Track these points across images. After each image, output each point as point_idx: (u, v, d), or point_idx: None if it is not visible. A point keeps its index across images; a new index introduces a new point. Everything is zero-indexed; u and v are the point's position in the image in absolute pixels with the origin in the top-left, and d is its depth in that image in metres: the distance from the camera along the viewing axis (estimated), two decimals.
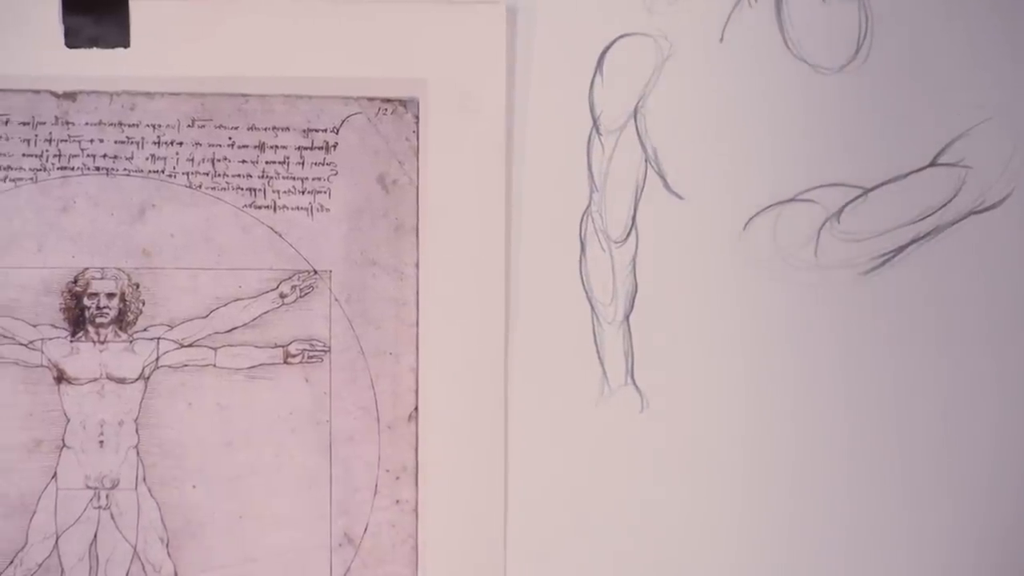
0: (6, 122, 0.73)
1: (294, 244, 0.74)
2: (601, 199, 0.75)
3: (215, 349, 0.73)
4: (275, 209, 0.74)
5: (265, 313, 0.73)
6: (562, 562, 0.74)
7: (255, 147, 0.74)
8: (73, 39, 0.72)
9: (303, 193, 0.74)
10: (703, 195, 0.75)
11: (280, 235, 0.74)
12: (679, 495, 0.75)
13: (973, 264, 0.75)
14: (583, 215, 0.75)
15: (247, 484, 0.73)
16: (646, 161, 0.75)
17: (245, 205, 0.73)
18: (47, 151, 0.73)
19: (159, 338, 0.73)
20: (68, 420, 0.73)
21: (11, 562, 0.72)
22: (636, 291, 0.75)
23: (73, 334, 0.73)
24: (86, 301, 0.73)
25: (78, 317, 0.73)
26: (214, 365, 0.73)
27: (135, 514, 0.73)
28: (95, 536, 0.73)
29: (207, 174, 0.73)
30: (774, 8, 0.75)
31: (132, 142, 0.73)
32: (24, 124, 0.73)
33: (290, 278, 0.74)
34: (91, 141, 0.73)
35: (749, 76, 0.75)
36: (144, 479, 0.73)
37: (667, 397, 0.75)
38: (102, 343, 0.73)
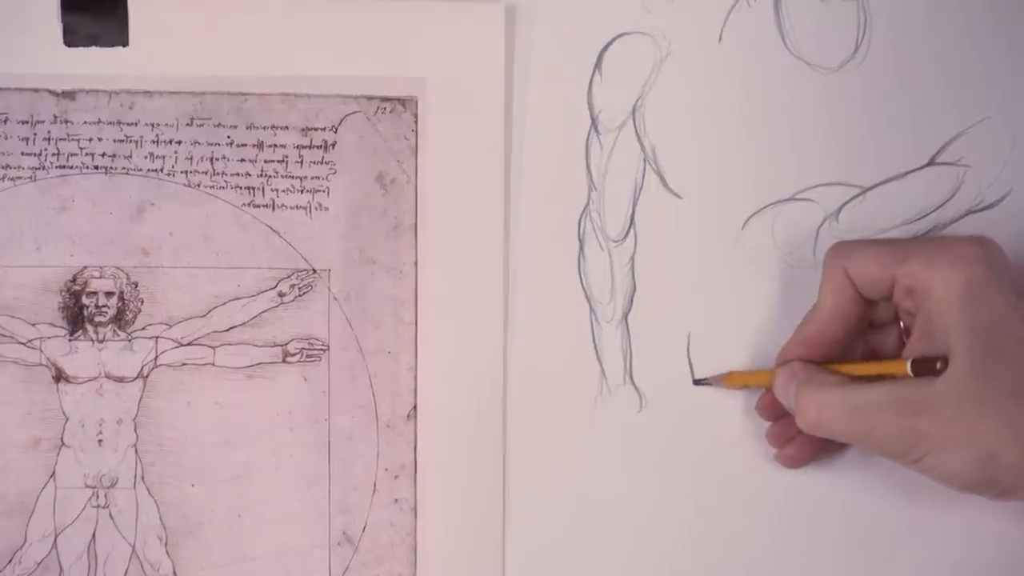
0: (4, 121, 0.73)
1: (293, 243, 0.74)
2: (600, 198, 0.75)
3: (214, 348, 0.73)
4: (274, 208, 0.74)
5: (264, 312, 0.73)
6: (561, 561, 0.74)
7: (254, 146, 0.74)
8: (72, 38, 0.72)
9: (302, 192, 0.74)
10: (701, 194, 0.75)
11: (279, 234, 0.74)
12: (678, 495, 0.74)
13: None
14: (582, 214, 0.75)
15: (246, 483, 0.73)
16: (644, 160, 0.75)
17: (244, 204, 0.74)
18: (46, 150, 0.73)
19: (158, 337, 0.73)
20: (67, 419, 0.73)
21: (10, 561, 0.72)
22: (635, 290, 0.75)
23: (72, 333, 0.73)
24: (85, 300, 0.73)
25: (77, 316, 0.73)
26: (213, 364, 0.73)
27: (134, 513, 0.73)
28: (94, 535, 0.73)
29: (206, 173, 0.73)
30: (772, 7, 0.75)
31: (131, 141, 0.73)
32: (23, 123, 0.73)
33: (289, 277, 0.74)
34: (90, 140, 0.73)
35: (747, 75, 0.75)
36: (143, 478, 0.73)
37: (666, 397, 0.75)
38: (101, 342, 0.73)
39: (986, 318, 0.65)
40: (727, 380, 0.74)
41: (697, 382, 0.74)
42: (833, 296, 0.70)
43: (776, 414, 0.73)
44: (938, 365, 0.65)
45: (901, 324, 0.71)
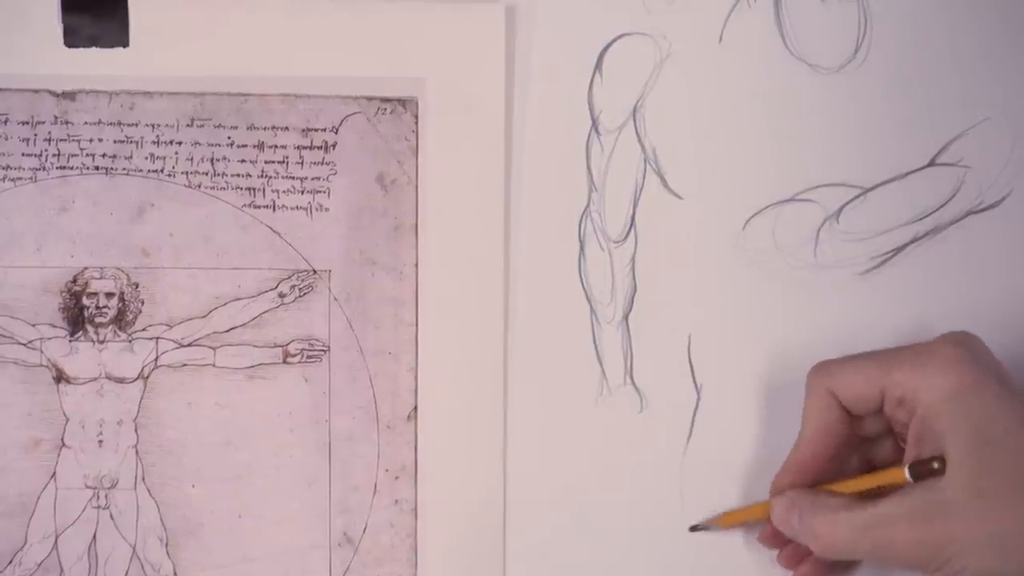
0: (5, 121, 0.73)
1: (293, 244, 0.74)
2: (600, 199, 0.75)
3: (214, 349, 0.73)
4: (274, 209, 0.74)
5: (264, 313, 0.73)
6: (561, 562, 0.74)
7: (254, 147, 0.74)
8: (72, 38, 0.72)
9: (302, 193, 0.74)
10: (702, 195, 0.75)
11: (279, 235, 0.74)
12: (678, 495, 0.75)
13: (972, 264, 0.75)
14: (582, 215, 0.75)
15: (246, 484, 0.73)
16: (645, 161, 0.75)
17: (244, 205, 0.73)
18: (46, 151, 0.73)
19: (158, 338, 0.73)
20: (67, 420, 0.73)
21: (10, 562, 0.72)
22: (635, 291, 0.75)
23: (72, 334, 0.73)
24: (85, 300, 0.73)
25: (77, 317, 0.73)
26: (213, 365, 0.73)
27: (134, 514, 0.73)
28: (94, 536, 0.73)
29: (206, 174, 0.73)
30: (773, 8, 0.75)
31: (131, 141, 0.73)
32: (23, 123, 0.73)
33: (289, 278, 0.74)
34: (90, 141, 0.73)
35: (748, 76, 0.75)
36: (143, 479, 0.73)
37: (666, 398, 0.75)
38: (101, 343, 0.73)
39: (978, 416, 0.65)
40: (722, 521, 0.74)
41: (693, 528, 0.74)
42: (820, 417, 0.70)
43: (781, 542, 0.72)
44: (935, 465, 0.65)
45: (895, 433, 0.71)
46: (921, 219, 0.75)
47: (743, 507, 0.74)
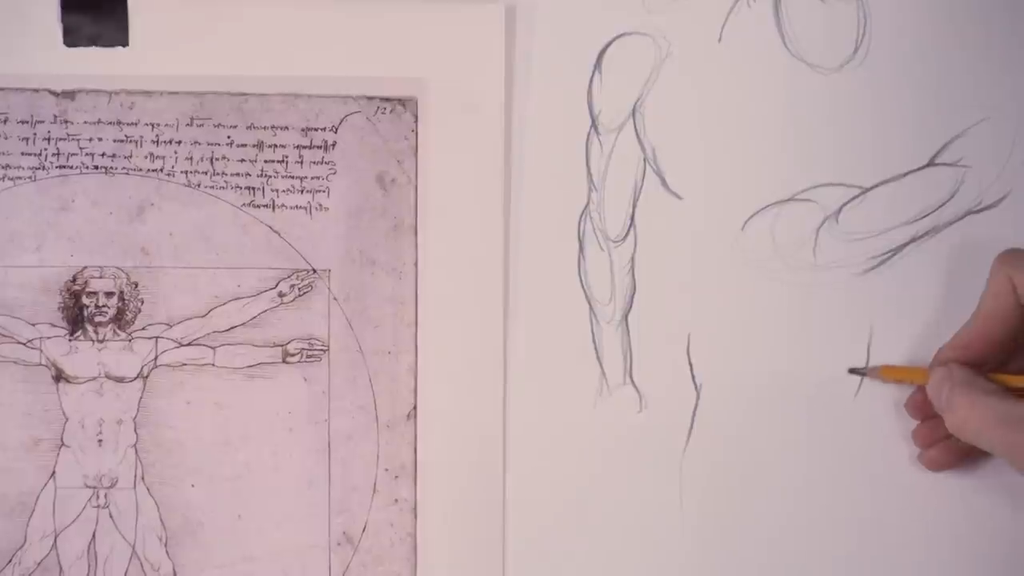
0: (4, 121, 0.73)
1: (293, 243, 0.74)
2: (600, 198, 0.75)
3: (214, 348, 0.73)
4: (274, 208, 0.74)
5: (264, 312, 0.73)
6: (561, 562, 0.74)
7: (254, 146, 0.74)
8: (72, 38, 0.72)
9: (302, 192, 0.74)
10: (701, 195, 0.75)
11: (279, 234, 0.74)
12: (677, 495, 0.75)
13: (971, 264, 0.75)
14: (582, 214, 0.75)
15: (246, 483, 0.73)
16: (644, 161, 0.75)
17: (244, 204, 0.74)
18: (46, 150, 0.73)
19: (158, 337, 0.73)
20: (67, 419, 0.73)
21: (10, 561, 0.72)
22: (635, 291, 0.75)
23: (72, 333, 0.73)
24: (85, 300, 0.73)
25: (77, 316, 0.73)
26: (213, 364, 0.73)
27: (134, 513, 0.73)
28: (94, 535, 0.73)
29: (206, 173, 0.73)
30: (772, 7, 0.75)
31: (131, 141, 0.73)
32: (23, 123, 0.73)
33: (289, 277, 0.74)
34: (90, 140, 0.73)
35: (747, 75, 0.75)
36: (143, 478, 0.73)
37: (666, 397, 0.75)
38: (101, 342, 0.73)
39: None
40: (881, 372, 0.74)
41: (852, 371, 0.74)
42: (993, 302, 0.70)
43: (924, 414, 0.73)
44: None
45: None
46: (920, 219, 0.75)
47: (905, 365, 0.74)
